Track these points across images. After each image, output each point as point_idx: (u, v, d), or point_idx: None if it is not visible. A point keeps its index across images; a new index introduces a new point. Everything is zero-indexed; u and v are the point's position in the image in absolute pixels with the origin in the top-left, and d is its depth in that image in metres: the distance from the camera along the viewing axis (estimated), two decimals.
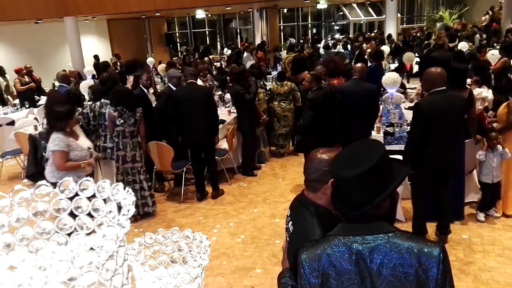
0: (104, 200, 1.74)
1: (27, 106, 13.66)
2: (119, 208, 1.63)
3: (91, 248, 1.35)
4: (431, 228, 6.70)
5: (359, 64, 8.44)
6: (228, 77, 12.30)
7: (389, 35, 23.25)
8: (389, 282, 2.13)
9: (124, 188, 1.67)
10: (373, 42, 21.95)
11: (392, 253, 2.13)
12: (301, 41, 28.25)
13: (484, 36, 22.56)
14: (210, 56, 22.93)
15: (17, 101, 14.99)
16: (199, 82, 10.23)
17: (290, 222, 2.87)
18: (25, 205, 1.69)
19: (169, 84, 9.30)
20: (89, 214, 1.77)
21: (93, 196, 1.75)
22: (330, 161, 2.68)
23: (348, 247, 2.19)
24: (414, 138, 6.19)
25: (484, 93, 8.04)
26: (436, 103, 5.98)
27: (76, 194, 1.75)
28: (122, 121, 7.44)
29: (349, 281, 2.17)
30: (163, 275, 2.67)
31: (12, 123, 12.07)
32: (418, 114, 6.15)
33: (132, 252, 2.88)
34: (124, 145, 7.58)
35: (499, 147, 6.93)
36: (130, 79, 10.76)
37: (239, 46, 27.08)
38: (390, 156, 2.35)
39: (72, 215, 1.78)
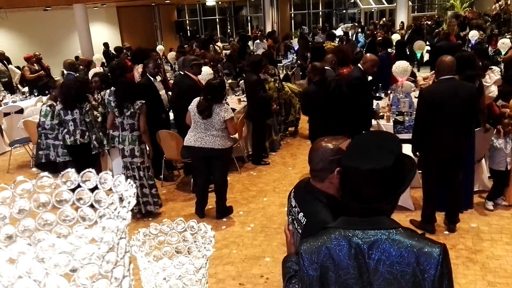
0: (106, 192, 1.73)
1: (36, 94, 13.62)
2: (122, 200, 1.62)
3: (93, 240, 1.34)
4: (439, 216, 6.71)
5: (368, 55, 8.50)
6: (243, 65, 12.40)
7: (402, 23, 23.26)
8: (385, 279, 2.09)
9: (126, 180, 1.66)
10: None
11: (391, 250, 2.09)
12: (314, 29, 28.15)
13: (494, 25, 22.41)
14: (219, 44, 22.81)
15: (26, 89, 14.97)
16: (207, 70, 10.14)
17: (301, 214, 2.80)
18: (27, 197, 1.69)
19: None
20: (91, 206, 1.76)
21: (96, 187, 1.74)
22: (336, 150, 2.66)
23: (348, 241, 2.16)
24: (417, 125, 6.31)
25: (494, 77, 8.01)
26: (440, 91, 6.03)
27: (78, 186, 1.74)
28: (118, 112, 7.23)
29: (347, 275, 2.15)
30: (167, 266, 2.66)
31: (21, 111, 12.03)
32: (419, 101, 6.31)
33: (136, 242, 2.87)
34: (123, 138, 7.32)
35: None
36: (138, 68, 10.76)
37: (251, 34, 26.92)
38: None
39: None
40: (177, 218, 3.13)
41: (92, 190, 1.76)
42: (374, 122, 8.21)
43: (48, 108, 8.00)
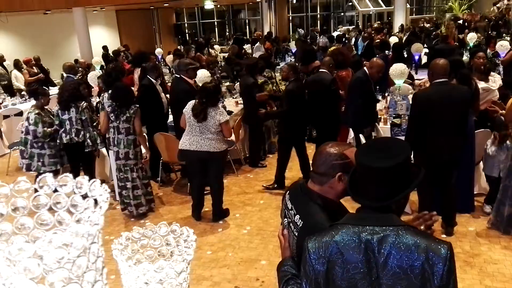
0: (83, 196, 1.73)
1: None
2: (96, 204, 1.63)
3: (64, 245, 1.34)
4: None
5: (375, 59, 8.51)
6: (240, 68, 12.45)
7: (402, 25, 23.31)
8: (394, 273, 2.13)
9: (101, 184, 1.67)
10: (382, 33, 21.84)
11: (401, 245, 2.13)
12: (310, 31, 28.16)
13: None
14: (217, 47, 22.76)
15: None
16: (205, 73, 10.15)
17: (298, 216, 2.79)
18: (4, 201, 1.69)
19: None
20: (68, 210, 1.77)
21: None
22: (339, 155, 2.68)
23: (358, 236, 2.19)
24: (410, 129, 6.30)
25: (498, 81, 8.06)
26: (433, 95, 6.01)
27: (56, 190, 1.75)
28: (114, 116, 7.32)
29: (355, 270, 2.18)
30: (147, 270, 2.67)
31: (20, 114, 12.10)
32: (413, 104, 6.28)
33: (118, 246, 2.86)
34: (118, 141, 7.40)
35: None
36: (138, 70, 10.78)
37: (254, 36, 26.90)
38: None
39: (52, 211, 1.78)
40: (173, 221, 3.13)
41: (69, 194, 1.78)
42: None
43: (37, 116, 7.96)
